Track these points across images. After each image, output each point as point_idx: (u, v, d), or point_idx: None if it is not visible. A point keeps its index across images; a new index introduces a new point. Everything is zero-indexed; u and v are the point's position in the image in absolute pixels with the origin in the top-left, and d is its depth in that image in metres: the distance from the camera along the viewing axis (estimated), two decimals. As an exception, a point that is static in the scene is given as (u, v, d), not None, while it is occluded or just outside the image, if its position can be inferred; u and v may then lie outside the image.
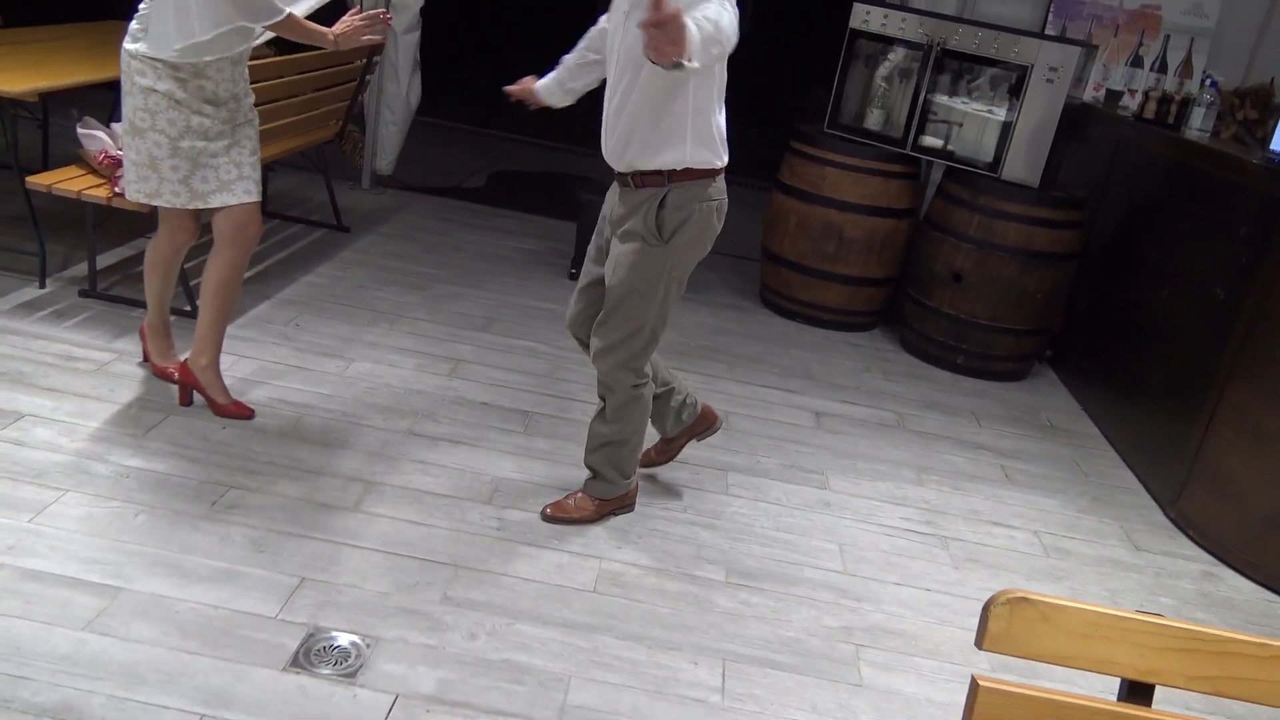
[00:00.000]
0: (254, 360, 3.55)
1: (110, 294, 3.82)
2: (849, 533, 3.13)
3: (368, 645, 2.28)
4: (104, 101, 4.90)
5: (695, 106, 2.51)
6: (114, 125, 3.69)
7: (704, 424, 3.15)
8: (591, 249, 2.86)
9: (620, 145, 2.58)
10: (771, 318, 4.96)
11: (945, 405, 4.24)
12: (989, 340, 4.50)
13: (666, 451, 3.20)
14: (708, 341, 4.48)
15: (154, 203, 2.94)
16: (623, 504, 2.99)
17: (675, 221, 2.60)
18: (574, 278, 4.93)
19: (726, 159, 2.67)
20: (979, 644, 1.13)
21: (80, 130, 3.69)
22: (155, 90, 2.79)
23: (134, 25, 2.82)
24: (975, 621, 1.15)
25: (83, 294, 3.78)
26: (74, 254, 4.07)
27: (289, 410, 3.25)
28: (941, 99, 4.62)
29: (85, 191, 3.49)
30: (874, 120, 4.79)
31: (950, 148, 4.64)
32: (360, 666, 2.22)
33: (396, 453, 3.13)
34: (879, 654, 2.58)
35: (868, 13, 4.67)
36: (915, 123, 4.63)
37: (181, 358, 3.27)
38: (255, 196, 3.00)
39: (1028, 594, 1.11)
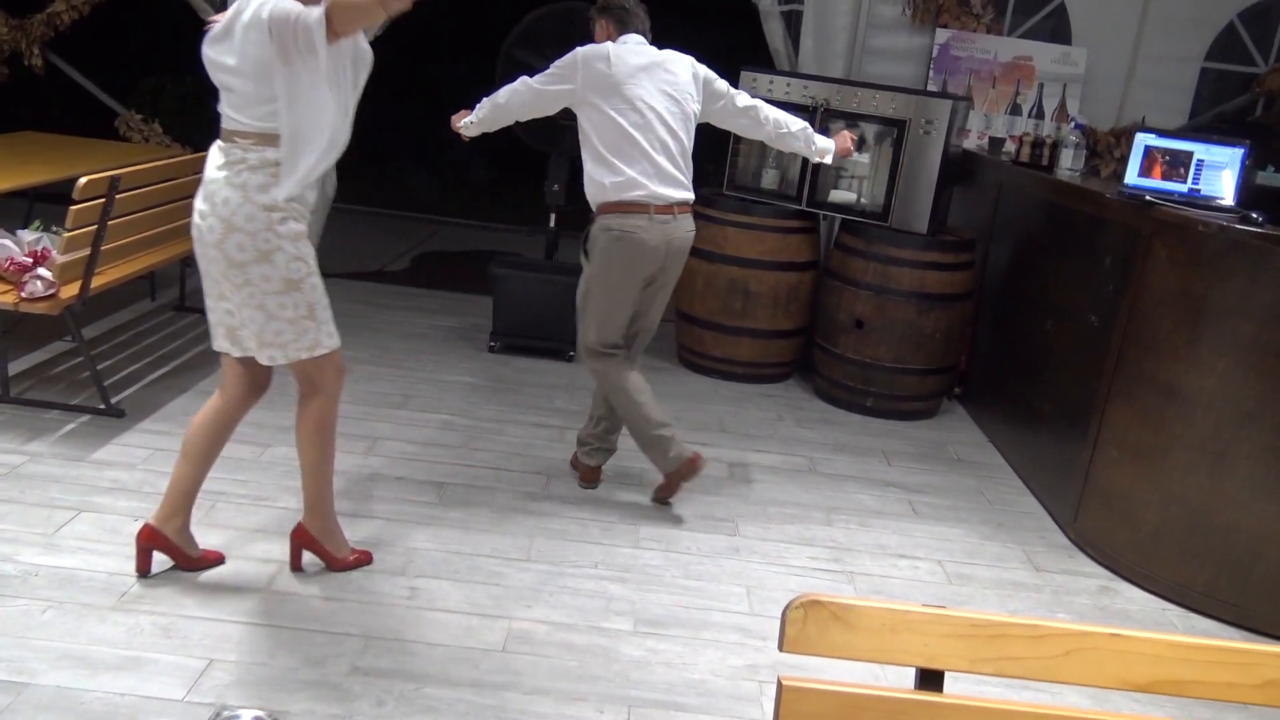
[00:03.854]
0: (168, 453, 3.59)
1: (25, 398, 3.85)
2: (757, 575, 3.23)
3: (275, 720, 2.32)
4: (16, 210, 4.97)
5: None
6: (19, 232, 3.77)
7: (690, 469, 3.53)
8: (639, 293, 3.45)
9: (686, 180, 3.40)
10: (688, 375, 5.10)
11: (855, 447, 4.39)
12: (894, 381, 4.67)
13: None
14: (624, 402, 4.59)
15: (314, 355, 2.75)
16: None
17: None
18: (493, 350, 5.05)
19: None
20: (780, 646, 1.23)
21: (-13, 239, 3.76)
22: (304, 235, 2.64)
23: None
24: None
25: (-5, 399, 3.82)
26: (-13, 361, 4.10)
27: (204, 498, 3.28)
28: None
29: (-8, 298, 3.55)
30: (769, 180, 5.01)
31: (842, 201, 4.86)
32: (267, 741, 2.26)
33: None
34: (782, 689, 2.67)
35: (754, 80, 4.91)
36: (808, 180, 4.85)
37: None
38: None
39: (819, 596, 1.22)
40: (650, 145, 3.28)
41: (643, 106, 3.27)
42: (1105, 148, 5.43)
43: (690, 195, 3.42)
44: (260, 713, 2.33)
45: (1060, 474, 3.86)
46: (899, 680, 1.34)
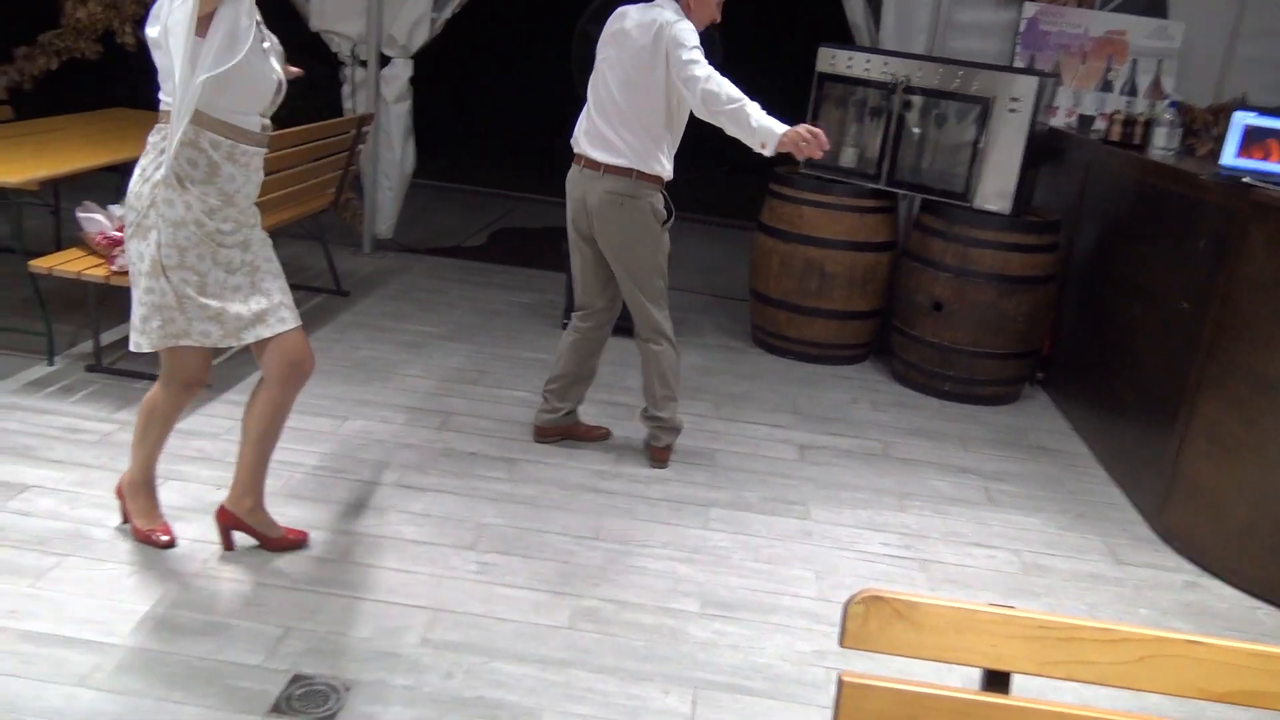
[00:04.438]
0: (250, 423, 3.69)
1: (115, 368, 3.99)
2: (827, 560, 3.20)
3: (346, 689, 2.38)
4: (110, 185, 5.12)
5: None
6: (110, 208, 3.89)
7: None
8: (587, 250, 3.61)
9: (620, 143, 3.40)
10: (762, 356, 5.06)
11: (931, 431, 4.31)
12: (973, 365, 4.57)
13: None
14: (696, 382, 4.58)
15: (181, 344, 2.63)
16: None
17: None
18: (564, 328, 5.07)
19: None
20: (841, 642, 1.21)
21: (79, 214, 3.89)
22: (185, 224, 2.51)
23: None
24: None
25: (89, 369, 3.96)
26: (81, 331, 4.25)
27: (283, 470, 3.38)
28: (911, 134, 4.74)
29: (84, 272, 3.67)
30: (847, 158, 4.92)
31: (923, 180, 4.75)
32: (339, 709, 2.31)
33: (384, 504, 3.24)
34: (849, 676, 2.64)
35: (833, 56, 4.82)
36: (887, 158, 4.75)
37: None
38: (297, 320, 2.72)
39: (882, 592, 1.20)
40: (593, 103, 3.45)
41: (601, 67, 3.43)
42: (1202, 126, 5.21)
43: (615, 160, 3.38)
44: (335, 682, 2.41)
45: (1146, 465, 3.74)
46: (964, 680, 1.31)
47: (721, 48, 4.90)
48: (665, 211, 3.48)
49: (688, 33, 3.25)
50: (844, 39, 5.27)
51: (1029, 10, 5.26)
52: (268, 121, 2.60)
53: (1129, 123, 4.62)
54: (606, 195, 3.41)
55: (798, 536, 3.33)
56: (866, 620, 1.20)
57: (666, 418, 3.69)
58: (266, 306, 2.66)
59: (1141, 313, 3.96)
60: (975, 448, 4.19)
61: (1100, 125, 5.09)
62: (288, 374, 2.71)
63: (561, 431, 3.82)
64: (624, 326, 5.02)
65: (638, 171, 3.37)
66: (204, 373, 2.80)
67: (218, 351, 2.79)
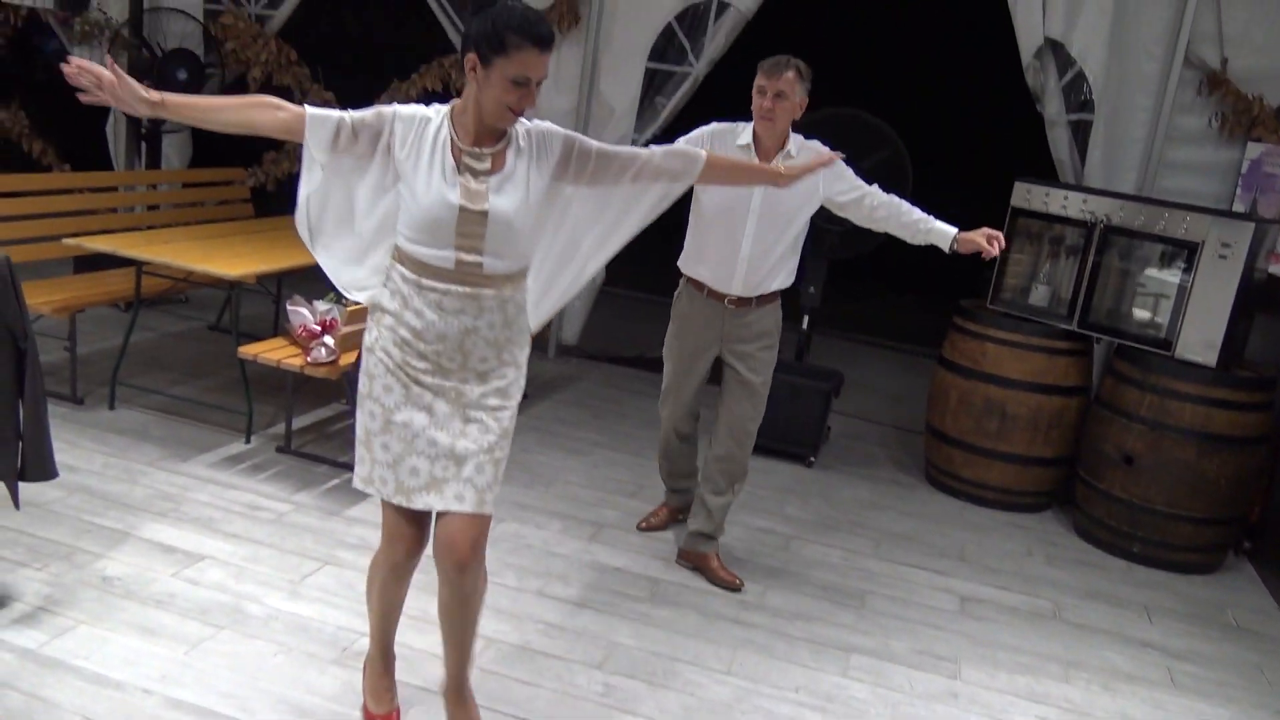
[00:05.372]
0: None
1: (303, 451, 4.27)
2: (973, 728, 2.97)
3: (450, 799, 2.38)
4: (322, 278, 5.57)
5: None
6: (315, 302, 4.21)
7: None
8: (689, 372, 3.77)
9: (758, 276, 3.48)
10: (933, 494, 4.84)
11: (1112, 596, 3.97)
12: (1166, 528, 4.20)
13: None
14: (858, 516, 4.43)
15: (368, 490, 2.41)
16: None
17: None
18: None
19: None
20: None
21: (289, 306, 4.24)
22: (373, 349, 2.38)
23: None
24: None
25: (279, 450, 4.25)
26: (279, 414, 4.59)
27: (433, 565, 3.47)
28: (1110, 275, 4.50)
29: (283, 361, 3.98)
30: (1039, 296, 4.72)
31: (1119, 324, 4.49)
32: (439, 819, 2.31)
33: (522, 612, 3.28)
34: None
35: (1029, 191, 4.68)
36: (1082, 299, 4.52)
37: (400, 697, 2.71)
38: (474, 506, 2.33)
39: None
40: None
41: None
42: None
43: None
44: (437, 790, 2.40)
45: (1363, 663, 3.29)
46: None
47: (912, 175, 4.87)
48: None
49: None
50: (1048, 174, 5.12)
51: (1253, 151, 4.94)
52: (473, 258, 2.29)
53: (1360, 277, 4.22)
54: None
55: (943, 697, 3.11)
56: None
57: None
58: (449, 476, 2.33)
59: (1365, 489, 3.54)
60: (1162, 620, 3.82)
61: (1331, 276, 4.66)
62: (439, 560, 2.37)
63: (693, 561, 3.74)
64: (790, 452, 4.93)
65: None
66: (406, 529, 2.41)
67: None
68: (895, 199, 3.43)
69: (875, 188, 3.46)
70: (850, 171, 3.44)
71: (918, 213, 3.42)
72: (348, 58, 7.51)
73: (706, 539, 3.69)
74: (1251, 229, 4.07)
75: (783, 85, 3.26)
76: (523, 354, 2.49)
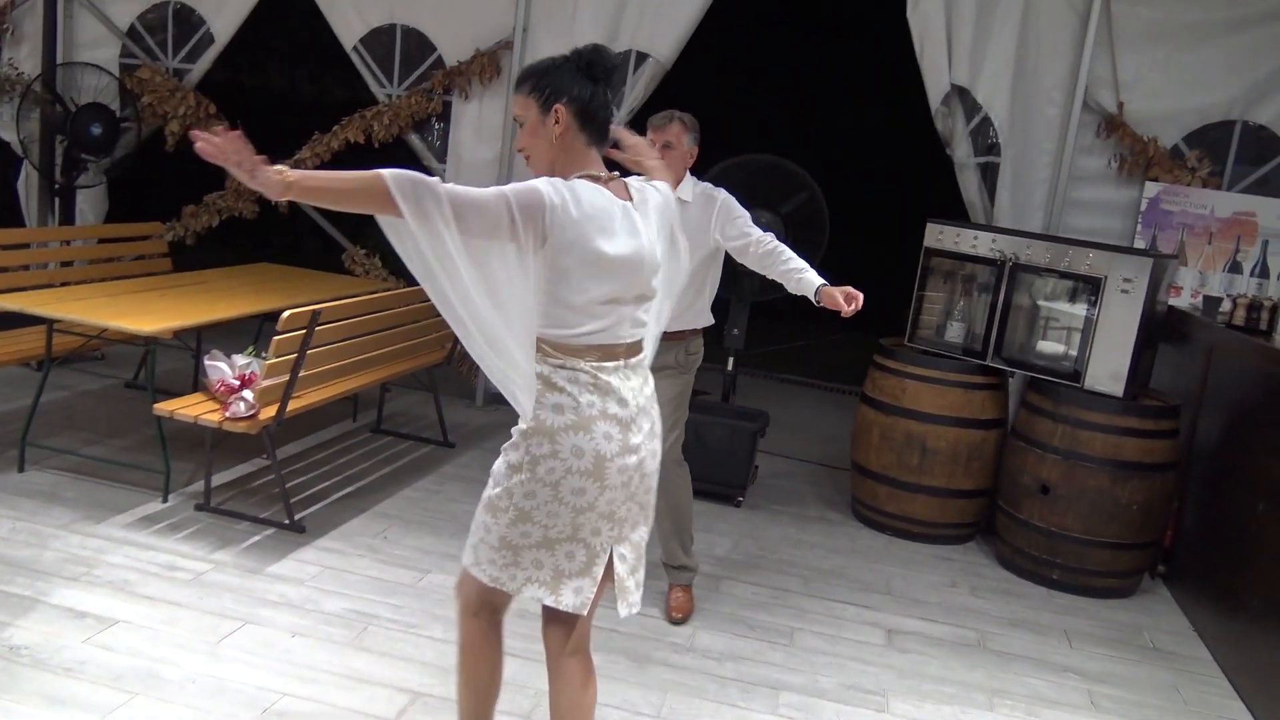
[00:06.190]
0: (336, 571, 3.78)
1: (223, 508, 4.18)
2: (901, 761, 3.00)
3: None
4: (245, 332, 5.50)
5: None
6: (234, 356, 4.16)
7: None
8: None
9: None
10: (860, 530, 4.90)
11: (1035, 623, 4.05)
12: (1084, 554, 4.31)
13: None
14: (787, 555, 4.46)
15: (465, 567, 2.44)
16: None
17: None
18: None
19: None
20: None
21: (206, 361, 4.17)
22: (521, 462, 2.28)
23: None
24: None
25: (198, 508, 4.16)
26: (197, 471, 4.49)
27: (357, 620, 3.43)
28: (1021, 311, 4.65)
29: (201, 416, 3.90)
30: (954, 333, 4.84)
31: (1031, 358, 4.62)
32: None
33: (448, 664, 3.22)
34: None
35: (940, 231, 4.82)
36: (995, 334, 4.66)
37: None
38: (553, 600, 2.42)
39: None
40: None
41: None
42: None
43: None
44: None
45: (1273, 677, 3.40)
46: None
47: (829, 218, 4.98)
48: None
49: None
50: (959, 215, 5.28)
51: (1150, 190, 5.16)
52: None
53: (1254, 307, 4.40)
54: None
55: (872, 731, 3.14)
56: None
57: None
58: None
59: (1265, 511, 3.68)
60: (1082, 644, 3.91)
61: (1227, 307, 4.87)
62: (461, 602, 2.51)
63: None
64: (718, 493, 4.96)
65: None
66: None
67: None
68: (779, 247, 3.41)
69: (766, 234, 3.45)
70: (742, 218, 3.49)
71: (795, 262, 3.36)
72: (270, 110, 7.49)
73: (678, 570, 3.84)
74: (1151, 264, 4.24)
75: (669, 136, 3.43)
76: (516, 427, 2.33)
